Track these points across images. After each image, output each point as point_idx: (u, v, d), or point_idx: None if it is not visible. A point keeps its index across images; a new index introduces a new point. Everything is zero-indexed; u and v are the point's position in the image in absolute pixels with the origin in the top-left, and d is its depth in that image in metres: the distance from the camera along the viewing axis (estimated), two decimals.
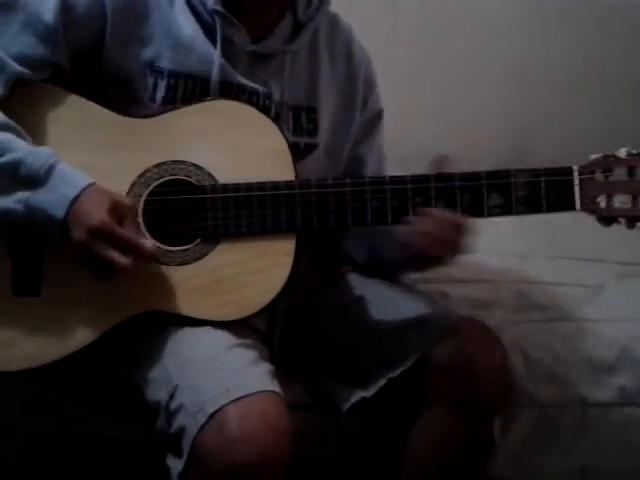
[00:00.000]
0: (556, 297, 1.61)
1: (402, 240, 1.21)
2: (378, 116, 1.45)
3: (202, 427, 1.07)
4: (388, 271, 1.41)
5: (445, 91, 2.21)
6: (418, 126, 2.17)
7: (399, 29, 2.15)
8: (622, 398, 1.46)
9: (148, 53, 1.22)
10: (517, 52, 2.21)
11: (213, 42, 1.23)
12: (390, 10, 2.15)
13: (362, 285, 1.40)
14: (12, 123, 1.14)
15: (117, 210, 1.10)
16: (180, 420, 1.10)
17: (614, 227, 1.90)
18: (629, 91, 2.26)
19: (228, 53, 1.24)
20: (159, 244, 1.18)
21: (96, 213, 1.08)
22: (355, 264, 1.45)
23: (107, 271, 1.10)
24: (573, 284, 1.65)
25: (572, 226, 1.84)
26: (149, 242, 1.12)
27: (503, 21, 2.21)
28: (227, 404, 1.07)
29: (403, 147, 1.97)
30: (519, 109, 2.25)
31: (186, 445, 1.08)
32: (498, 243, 1.81)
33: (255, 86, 1.27)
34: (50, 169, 1.10)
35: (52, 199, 1.09)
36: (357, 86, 1.39)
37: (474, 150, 2.09)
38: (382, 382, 1.28)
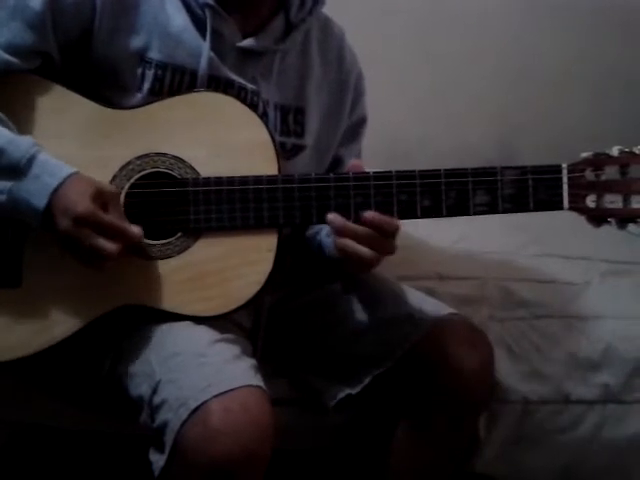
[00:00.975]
0: (542, 294, 1.60)
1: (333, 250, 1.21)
2: (362, 123, 1.45)
3: (184, 422, 1.06)
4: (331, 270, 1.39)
5: (437, 90, 2.22)
6: (410, 125, 2.18)
7: (391, 30, 2.15)
8: (606, 395, 1.46)
9: (137, 43, 1.21)
10: (509, 51, 2.22)
11: (203, 35, 1.23)
12: (382, 11, 2.15)
13: (347, 282, 1.39)
14: None
15: (101, 197, 1.09)
16: (163, 415, 1.10)
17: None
18: (621, 91, 2.27)
19: (217, 47, 1.24)
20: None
21: (80, 201, 1.07)
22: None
23: (95, 259, 1.09)
24: (559, 282, 1.65)
25: (558, 224, 1.86)
26: (135, 227, 1.11)
27: (496, 21, 2.21)
28: (210, 399, 1.06)
29: (395, 145, 1.98)
30: (510, 108, 2.26)
31: (168, 440, 1.08)
32: (485, 240, 1.82)
33: (243, 82, 1.26)
34: (31, 159, 1.09)
35: (34, 189, 1.09)
36: (347, 91, 1.39)
37: (465, 148, 2.11)
38: (367, 379, 1.28)
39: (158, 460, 1.11)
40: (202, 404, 1.06)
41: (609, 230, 1.88)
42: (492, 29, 2.20)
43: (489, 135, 2.21)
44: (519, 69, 2.23)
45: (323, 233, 1.36)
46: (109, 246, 1.07)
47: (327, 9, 1.37)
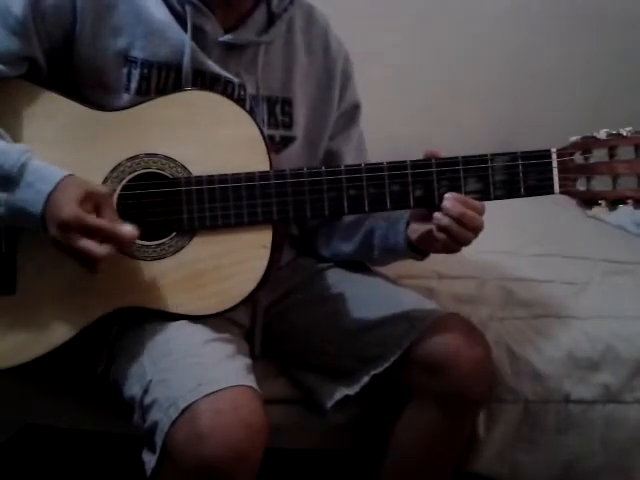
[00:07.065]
0: (542, 294, 1.59)
1: (421, 235, 1.21)
2: (355, 109, 1.43)
3: (174, 422, 1.06)
4: (381, 260, 1.38)
5: (438, 91, 2.22)
6: (410, 125, 2.18)
7: (392, 30, 2.15)
8: (605, 395, 1.45)
9: (120, 43, 1.21)
10: (505, 49, 2.23)
11: (185, 31, 1.22)
12: (383, 11, 2.15)
13: (344, 281, 1.39)
14: None
15: (91, 199, 1.08)
16: (153, 415, 1.10)
17: (599, 225, 1.91)
18: (615, 86, 2.27)
19: (200, 43, 1.23)
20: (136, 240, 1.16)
21: (66, 206, 1.06)
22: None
23: (86, 262, 1.08)
24: (559, 281, 1.64)
25: (558, 224, 1.85)
26: (127, 227, 1.09)
27: (493, 18, 2.21)
28: (199, 399, 1.06)
29: (396, 145, 1.97)
30: (512, 109, 2.26)
31: (158, 440, 1.08)
32: (485, 240, 1.80)
33: (229, 76, 1.25)
34: (23, 167, 1.09)
35: (28, 197, 1.08)
36: (334, 78, 1.38)
37: (466, 148, 2.10)
38: (366, 379, 1.28)
39: (150, 460, 1.11)
40: (191, 404, 1.06)
41: (609, 230, 1.89)
42: (490, 27, 2.20)
43: (490, 135, 2.20)
44: (521, 70, 2.23)
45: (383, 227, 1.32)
46: (97, 249, 1.06)
47: (330, 9, 1.37)
